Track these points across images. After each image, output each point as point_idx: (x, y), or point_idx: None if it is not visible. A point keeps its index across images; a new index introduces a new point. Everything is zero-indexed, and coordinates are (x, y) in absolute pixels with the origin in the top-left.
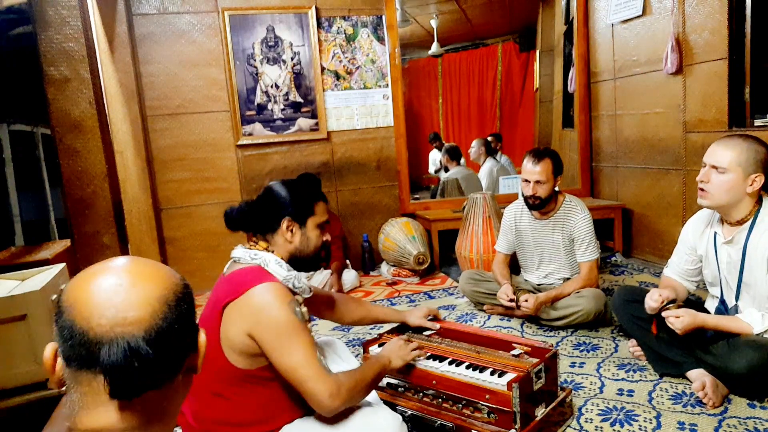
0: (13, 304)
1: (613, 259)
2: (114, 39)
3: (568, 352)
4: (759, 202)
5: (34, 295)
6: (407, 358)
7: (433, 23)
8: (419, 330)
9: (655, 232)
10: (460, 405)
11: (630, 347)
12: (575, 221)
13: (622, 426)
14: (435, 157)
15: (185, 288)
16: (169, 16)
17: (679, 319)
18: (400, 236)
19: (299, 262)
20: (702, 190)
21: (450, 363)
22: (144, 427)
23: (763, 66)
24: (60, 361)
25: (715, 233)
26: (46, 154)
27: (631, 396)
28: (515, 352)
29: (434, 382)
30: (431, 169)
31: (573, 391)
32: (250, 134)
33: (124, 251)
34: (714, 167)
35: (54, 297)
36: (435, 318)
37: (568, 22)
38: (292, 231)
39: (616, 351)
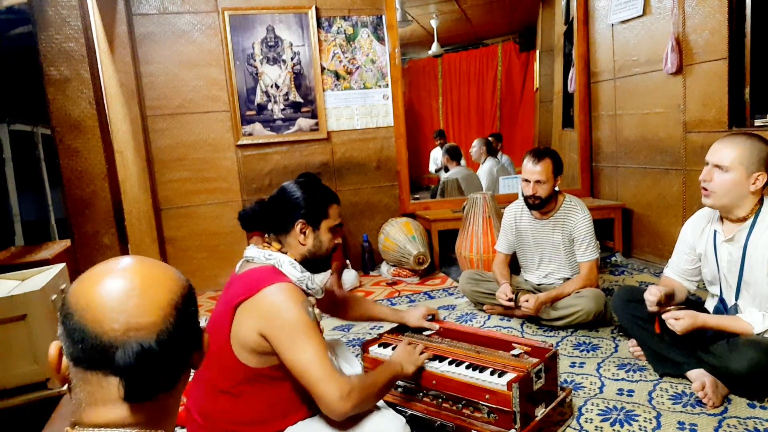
0: (13, 304)
1: (613, 259)
2: (114, 39)
3: (568, 352)
4: (761, 200)
5: (34, 295)
6: (418, 362)
7: (433, 23)
8: (419, 330)
9: (655, 232)
10: (460, 405)
11: (630, 347)
12: (575, 221)
13: (622, 426)
14: (437, 155)
15: (190, 290)
16: (169, 16)
17: (679, 322)
18: (400, 236)
19: (311, 263)
20: (705, 189)
21: (450, 363)
22: (151, 422)
23: (764, 66)
24: (65, 360)
25: (715, 231)
26: (46, 154)
27: (631, 396)
28: (515, 352)
29: (434, 382)
30: (432, 168)
31: (573, 391)
32: (250, 134)
33: (124, 251)
34: (717, 166)
35: (54, 297)
36: (434, 318)
37: (568, 22)
38: (305, 234)
39: (616, 351)
